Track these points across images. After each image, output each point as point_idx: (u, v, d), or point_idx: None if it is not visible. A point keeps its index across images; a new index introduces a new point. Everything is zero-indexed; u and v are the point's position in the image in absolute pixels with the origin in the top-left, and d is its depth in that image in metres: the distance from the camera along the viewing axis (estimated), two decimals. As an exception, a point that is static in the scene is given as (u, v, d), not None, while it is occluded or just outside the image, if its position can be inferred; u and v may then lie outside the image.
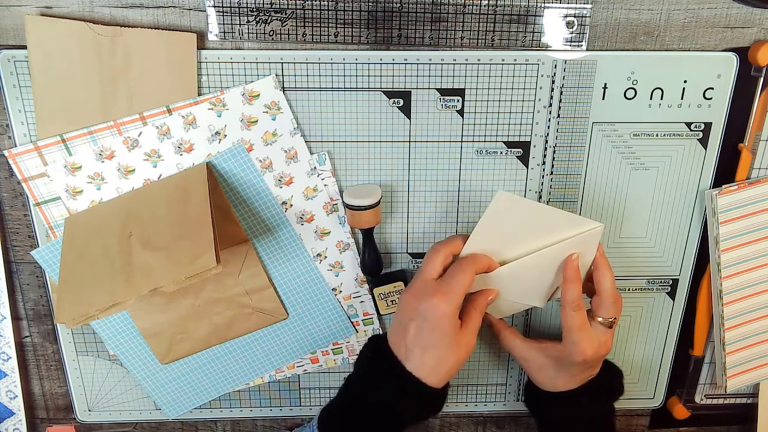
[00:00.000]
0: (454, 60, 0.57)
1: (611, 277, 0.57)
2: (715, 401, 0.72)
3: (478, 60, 0.57)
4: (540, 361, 0.60)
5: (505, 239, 0.57)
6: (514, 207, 0.57)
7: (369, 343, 0.59)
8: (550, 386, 0.61)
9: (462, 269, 0.54)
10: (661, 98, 0.59)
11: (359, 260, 0.62)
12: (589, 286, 0.59)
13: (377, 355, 0.56)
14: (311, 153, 0.59)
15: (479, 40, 0.56)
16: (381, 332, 0.66)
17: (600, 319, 0.57)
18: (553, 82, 0.58)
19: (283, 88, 0.57)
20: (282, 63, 0.56)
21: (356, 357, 0.60)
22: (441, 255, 0.55)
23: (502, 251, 0.57)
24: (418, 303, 0.53)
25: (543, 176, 0.61)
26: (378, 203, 0.58)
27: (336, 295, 0.64)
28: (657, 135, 0.60)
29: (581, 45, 0.57)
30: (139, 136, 0.56)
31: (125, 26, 0.54)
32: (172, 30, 0.54)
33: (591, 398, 0.60)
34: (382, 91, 0.58)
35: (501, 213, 0.56)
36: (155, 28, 0.54)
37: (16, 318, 0.64)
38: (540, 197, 0.62)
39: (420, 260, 0.64)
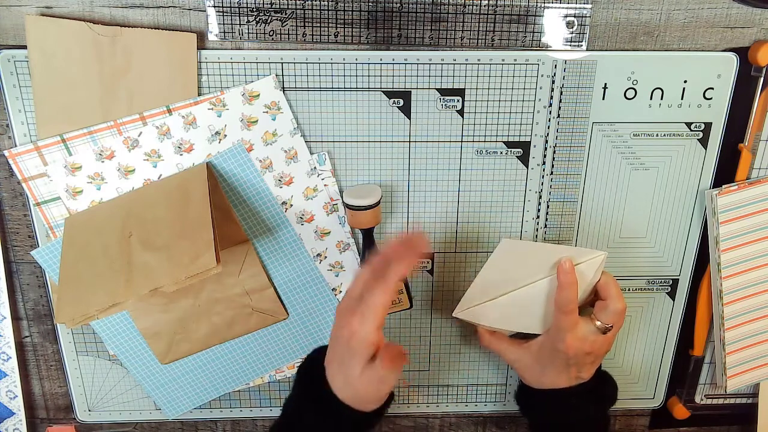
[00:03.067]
0: (454, 60, 0.57)
1: (617, 287, 0.57)
2: (715, 401, 0.72)
3: (478, 60, 0.57)
4: (526, 360, 0.61)
5: (511, 276, 0.59)
6: (518, 249, 0.59)
7: (306, 360, 0.58)
8: (536, 383, 0.61)
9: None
10: (661, 98, 0.59)
11: (359, 260, 0.62)
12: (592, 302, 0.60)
13: (309, 372, 0.55)
14: (311, 153, 0.59)
15: (479, 40, 0.56)
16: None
17: (598, 323, 0.57)
18: (553, 82, 0.58)
19: (283, 88, 0.57)
20: (282, 63, 0.56)
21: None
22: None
23: (508, 286, 0.59)
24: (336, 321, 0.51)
25: (543, 176, 0.61)
26: (378, 203, 0.58)
27: (336, 295, 0.64)
28: (657, 135, 0.60)
29: (581, 45, 0.57)
30: (139, 136, 0.56)
31: (125, 26, 0.54)
32: (172, 30, 0.54)
33: (579, 400, 0.60)
34: (382, 91, 0.58)
35: (506, 256, 0.59)
36: (155, 28, 0.54)
37: (16, 318, 0.64)
38: (540, 197, 0.62)
39: (420, 261, 0.64)
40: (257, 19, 0.54)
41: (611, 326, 0.57)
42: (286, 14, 0.54)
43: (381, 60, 0.56)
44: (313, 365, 0.54)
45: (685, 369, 0.70)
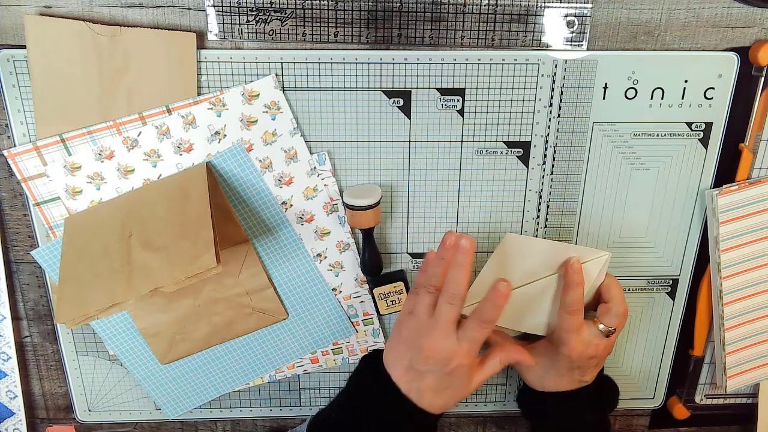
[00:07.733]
0: (454, 60, 0.57)
1: (619, 290, 0.57)
2: (715, 401, 0.72)
3: (478, 60, 0.57)
4: None
5: (515, 273, 0.58)
6: (522, 245, 0.59)
7: (368, 372, 0.57)
8: (539, 385, 0.61)
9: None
10: (662, 98, 0.59)
11: (359, 260, 0.62)
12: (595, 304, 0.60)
13: (382, 388, 0.55)
14: (311, 153, 0.59)
15: (479, 40, 0.56)
16: (380, 330, 0.66)
17: (602, 326, 0.57)
18: (554, 81, 0.58)
19: (283, 88, 0.57)
20: (282, 63, 0.56)
21: (351, 376, 0.58)
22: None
23: (512, 283, 0.58)
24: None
25: (543, 176, 0.61)
26: (378, 203, 0.58)
27: (336, 295, 0.64)
28: (657, 135, 0.60)
29: (581, 45, 0.56)
30: (138, 136, 0.56)
31: (125, 26, 0.54)
32: (172, 30, 0.54)
33: (580, 404, 0.60)
34: (382, 91, 0.58)
35: (509, 252, 0.59)
36: (155, 28, 0.54)
37: (16, 318, 0.64)
38: (540, 197, 0.62)
39: (420, 260, 0.64)
40: (257, 19, 0.54)
41: (614, 329, 0.57)
42: (285, 14, 0.54)
43: (381, 60, 0.56)
44: (388, 387, 0.55)
45: (685, 369, 0.70)
